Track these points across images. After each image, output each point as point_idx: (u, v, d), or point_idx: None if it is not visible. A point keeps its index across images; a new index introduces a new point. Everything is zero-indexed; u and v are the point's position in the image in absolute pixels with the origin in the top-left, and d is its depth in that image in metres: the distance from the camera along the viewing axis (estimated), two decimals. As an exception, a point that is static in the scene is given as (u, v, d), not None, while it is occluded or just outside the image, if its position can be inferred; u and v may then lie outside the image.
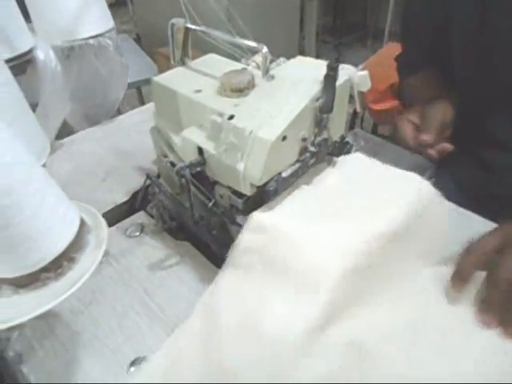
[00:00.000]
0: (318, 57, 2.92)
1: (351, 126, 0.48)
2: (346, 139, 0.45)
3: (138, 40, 2.74)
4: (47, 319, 0.40)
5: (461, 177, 0.64)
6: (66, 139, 0.68)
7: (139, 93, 1.46)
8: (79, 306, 0.41)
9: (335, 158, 0.42)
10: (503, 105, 0.57)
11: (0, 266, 0.25)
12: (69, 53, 0.58)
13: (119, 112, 0.81)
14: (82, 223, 0.30)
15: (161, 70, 1.21)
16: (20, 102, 0.39)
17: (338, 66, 0.34)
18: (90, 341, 0.38)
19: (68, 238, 0.27)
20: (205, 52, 0.48)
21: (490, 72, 0.57)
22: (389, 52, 1.67)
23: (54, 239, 0.26)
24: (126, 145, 0.66)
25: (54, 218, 0.26)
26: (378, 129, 1.64)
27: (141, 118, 0.73)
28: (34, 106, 0.58)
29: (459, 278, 0.36)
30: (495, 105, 0.58)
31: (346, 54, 3.10)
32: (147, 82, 1.31)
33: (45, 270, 0.26)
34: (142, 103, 1.55)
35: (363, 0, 3.09)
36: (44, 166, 0.41)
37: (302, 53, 2.73)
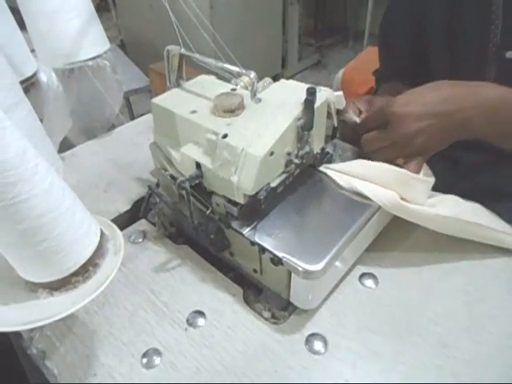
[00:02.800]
0: (300, 59, 2.99)
1: (333, 136, 0.55)
2: (327, 150, 0.50)
3: (122, 47, 2.76)
4: (65, 320, 0.45)
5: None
6: (66, 153, 0.72)
7: (128, 102, 1.50)
8: (93, 307, 0.46)
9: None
10: None
11: (38, 273, 0.30)
12: (69, 74, 0.63)
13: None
14: (102, 233, 0.34)
15: (154, 85, 1.26)
16: (39, 129, 0.43)
17: (315, 91, 0.40)
18: (106, 337, 0.43)
19: (92, 246, 0.32)
20: (198, 68, 0.53)
21: (459, 73, 0.63)
22: (368, 57, 1.75)
23: (81, 248, 0.31)
24: (124, 156, 0.71)
25: (81, 231, 0.31)
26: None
27: (136, 131, 0.77)
28: (37, 124, 0.63)
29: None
30: None
31: (328, 55, 3.18)
32: (136, 91, 1.35)
33: (75, 274, 0.31)
34: (131, 111, 1.59)
35: (343, 3, 3.16)
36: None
37: (285, 55, 2.79)
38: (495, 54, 0.57)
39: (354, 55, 2.90)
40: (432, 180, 0.48)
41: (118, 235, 0.35)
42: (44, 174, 0.27)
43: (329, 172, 0.48)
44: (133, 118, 1.71)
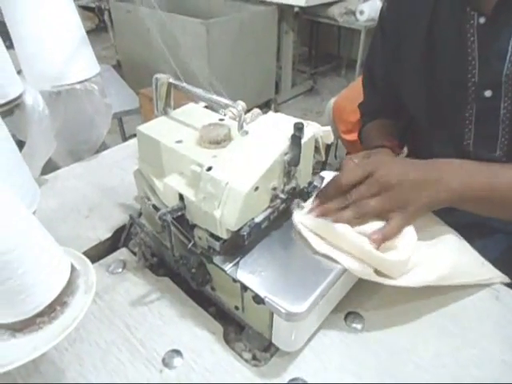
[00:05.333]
0: (293, 85, 3.04)
1: (321, 169, 0.54)
2: (314, 183, 0.50)
3: (118, 67, 2.78)
4: (32, 357, 0.42)
5: None
6: (49, 175, 0.71)
7: (120, 123, 1.49)
8: (64, 343, 0.43)
9: (302, 203, 0.46)
10: (448, 141, 0.64)
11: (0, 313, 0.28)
12: (56, 97, 0.62)
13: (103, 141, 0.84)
14: (73, 269, 0.33)
15: (144, 109, 1.25)
16: (15, 155, 0.42)
17: (303, 127, 0.39)
18: (74, 378, 0.40)
19: (61, 285, 0.30)
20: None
21: (438, 112, 0.64)
22: (359, 86, 1.78)
23: (48, 287, 0.29)
24: (109, 181, 0.69)
25: (49, 269, 0.29)
26: (351, 157, 1.72)
27: (123, 155, 0.76)
28: (20, 145, 0.61)
29: (320, 199, 0.46)
30: (441, 142, 0.65)
31: (321, 82, 3.25)
32: (127, 113, 1.35)
33: (40, 314, 0.29)
34: (123, 132, 1.58)
35: (337, 33, 3.25)
36: (34, 212, 0.44)
37: (279, 81, 2.84)
38: (474, 92, 0.58)
39: (347, 83, 2.96)
40: (408, 252, 0.43)
41: (90, 271, 0.33)
42: (9, 210, 0.26)
43: (303, 231, 0.45)
44: (125, 138, 1.70)
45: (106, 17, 3.11)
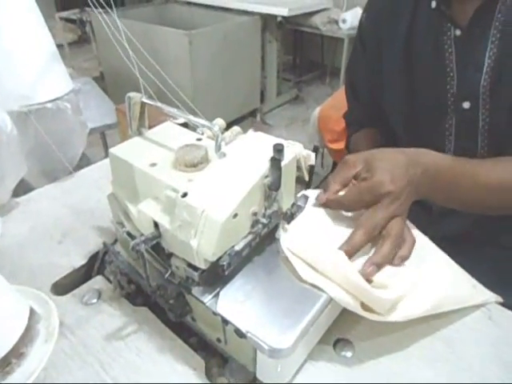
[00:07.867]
0: (279, 94, 3.03)
1: (307, 187, 0.51)
2: (298, 203, 0.47)
3: (101, 79, 2.74)
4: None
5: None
6: (22, 198, 0.67)
7: (103, 136, 1.45)
8: (30, 387, 0.40)
9: (286, 226, 0.44)
10: None
11: None
12: (25, 117, 0.59)
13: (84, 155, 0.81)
14: (32, 313, 0.30)
15: (121, 126, 1.22)
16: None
17: (282, 148, 0.37)
18: (41, 426, 0.37)
19: (16, 334, 0.27)
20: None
21: (418, 124, 0.63)
22: (344, 94, 1.78)
23: (2, 337, 0.26)
24: (85, 202, 0.66)
25: (2, 315, 0.26)
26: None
27: (101, 174, 0.73)
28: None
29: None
30: None
31: (306, 90, 3.26)
32: (109, 127, 1.31)
33: (-9, 370, 0.26)
34: (106, 146, 1.54)
35: (320, 41, 3.27)
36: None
37: (264, 90, 2.83)
38: (453, 104, 0.57)
39: (331, 91, 2.97)
40: (398, 292, 0.41)
41: (52, 314, 0.30)
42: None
43: (290, 257, 0.42)
44: (107, 151, 1.66)
45: (87, 28, 3.07)
